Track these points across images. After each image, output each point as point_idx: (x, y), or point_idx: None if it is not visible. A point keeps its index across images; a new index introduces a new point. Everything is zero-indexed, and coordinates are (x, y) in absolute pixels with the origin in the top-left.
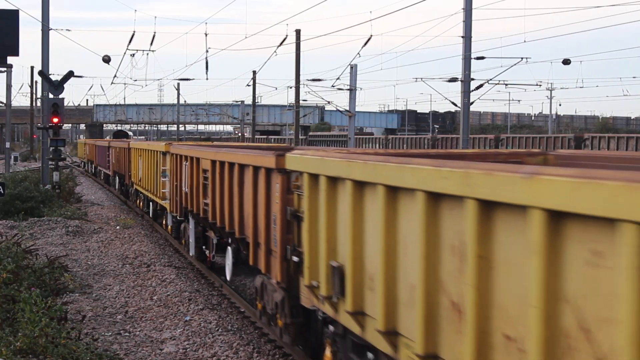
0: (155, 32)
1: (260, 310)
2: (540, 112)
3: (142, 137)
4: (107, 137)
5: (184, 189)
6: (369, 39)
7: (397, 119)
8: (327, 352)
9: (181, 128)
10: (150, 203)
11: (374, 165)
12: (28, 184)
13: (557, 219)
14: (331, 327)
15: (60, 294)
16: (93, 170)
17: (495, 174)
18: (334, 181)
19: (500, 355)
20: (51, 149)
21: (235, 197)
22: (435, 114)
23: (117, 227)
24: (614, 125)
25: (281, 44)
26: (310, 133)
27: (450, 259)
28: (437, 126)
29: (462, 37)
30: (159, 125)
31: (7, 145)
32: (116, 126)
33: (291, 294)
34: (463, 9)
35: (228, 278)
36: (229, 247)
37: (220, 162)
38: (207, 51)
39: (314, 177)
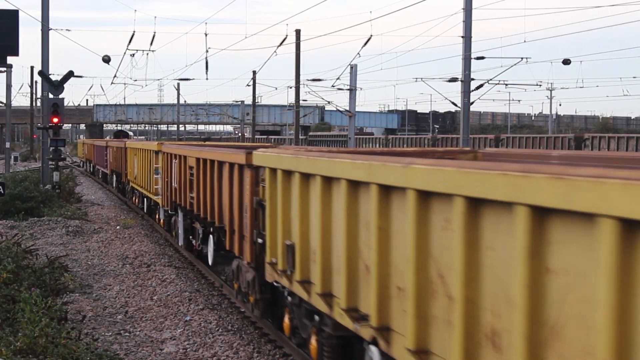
0: (155, 32)
1: (237, 290)
2: (540, 112)
3: (142, 137)
4: (107, 137)
5: (173, 184)
6: (369, 39)
7: (397, 119)
8: (286, 319)
9: (181, 128)
10: (145, 199)
11: (314, 159)
12: (28, 184)
13: (424, 196)
14: (289, 298)
15: (60, 294)
16: (91, 169)
17: (387, 164)
18: (287, 174)
19: (395, 302)
20: (51, 149)
21: (215, 191)
22: (435, 114)
23: (117, 227)
24: (614, 125)
25: (281, 44)
26: (310, 133)
27: (365, 232)
28: (437, 126)
29: (462, 37)
30: (159, 125)
31: (7, 145)
32: (116, 126)
33: (260, 273)
34: (463, 9)
35: (210, 263)
36: (211, 235)
37: (203, 160)
38: (207, 51)
39: (273, 171)
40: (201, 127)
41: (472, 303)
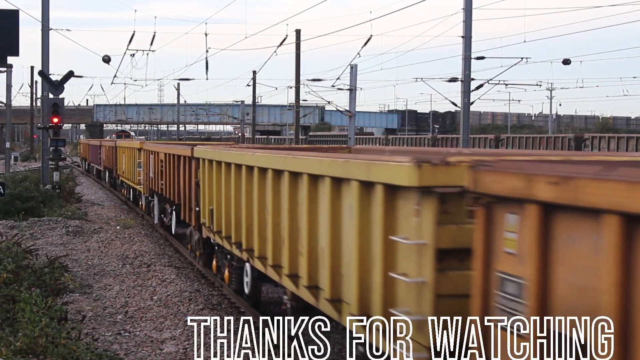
0: (155, 32)
1: (190, 249)
2: (540, 112)
3: (142, 137)
4: (108, 137)
5: (150, 175)
6: (369, 39)
7: (397, 119)
8: (214, 262)
9: (181, 128)
10: (131, 190)
11: (220, 152)
12: (28, 184)
13: (263, 171)
14: (216, 247)
15: (60, 294)
16: (87, 166)
17: (248, 153)
18: (210, 162)
19: (254, 233)
20: (51, 149)
21: (175, 177)
22: (435, 114)
23: (117, 227)
24: (614, 125)
25: (281, 44)
26: (310, 133)
27: (243, 195)
28: (437, 126)
29: (462, 37)
30: (159, 125)
31: (7, 145)
32: (116, 126)
33: (200, 233)
34: (463, 9)
35: (173, 232)
36: (173, 211)
37: (168, 154)
38: (207, 51)
39: (204, 160)
40: (201, 127)
41: (277, 225)
